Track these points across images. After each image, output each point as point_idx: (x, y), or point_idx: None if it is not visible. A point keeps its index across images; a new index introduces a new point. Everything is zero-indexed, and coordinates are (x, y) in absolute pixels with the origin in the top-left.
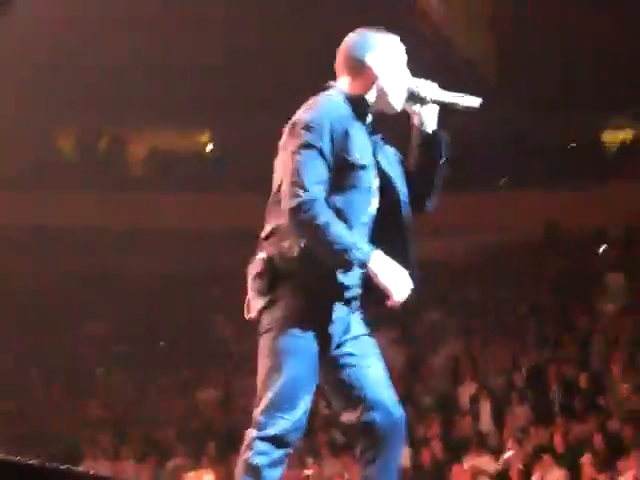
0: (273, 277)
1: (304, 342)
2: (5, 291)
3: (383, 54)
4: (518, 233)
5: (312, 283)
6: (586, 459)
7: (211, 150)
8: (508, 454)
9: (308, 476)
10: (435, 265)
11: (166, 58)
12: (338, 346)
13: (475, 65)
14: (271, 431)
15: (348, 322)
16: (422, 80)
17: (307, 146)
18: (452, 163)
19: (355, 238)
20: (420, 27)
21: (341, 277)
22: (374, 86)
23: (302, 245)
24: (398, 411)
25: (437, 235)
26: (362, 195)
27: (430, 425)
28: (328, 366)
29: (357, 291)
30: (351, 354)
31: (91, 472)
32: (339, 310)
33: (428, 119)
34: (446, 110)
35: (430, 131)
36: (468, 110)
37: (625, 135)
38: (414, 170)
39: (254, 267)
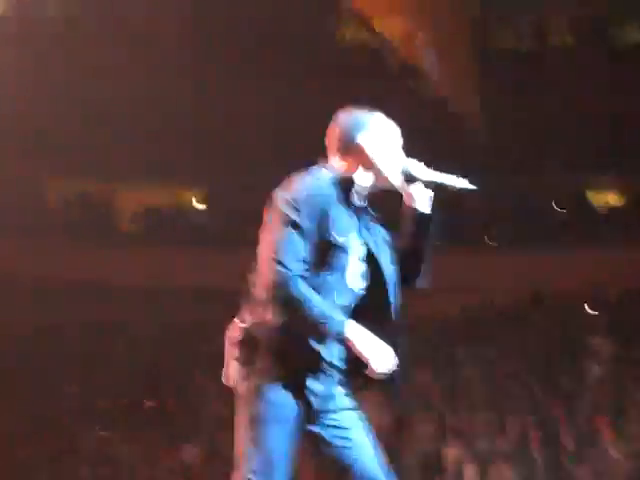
0: (252, 346)
1: (282, 411)
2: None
3: (375, 134)
4: (504, 296)
5: (291, 355)
6: None
7: (201, 206)
8: None
9: None
10: (422, 325)
11: (156, 110)
12: (322, 419)
13: (463, 120)
14: None
15: (331, 394)
16: (415, 160)
17: (287, 223)
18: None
19: (331, 310)
20: (408, 82)
21: (321, 350)
22: (365, 166)
23: (281, 317)
24: None
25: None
26: (340, 275)
27: None
28: (315, 441)
29: (340, 365)
30: (338, 428)
31: None
32: (320, 382)
33: (419, 199)
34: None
35: (422, 211)
36: (460, 191)
37: (611, 197)
38: (405, 250)
39: (233, 333)
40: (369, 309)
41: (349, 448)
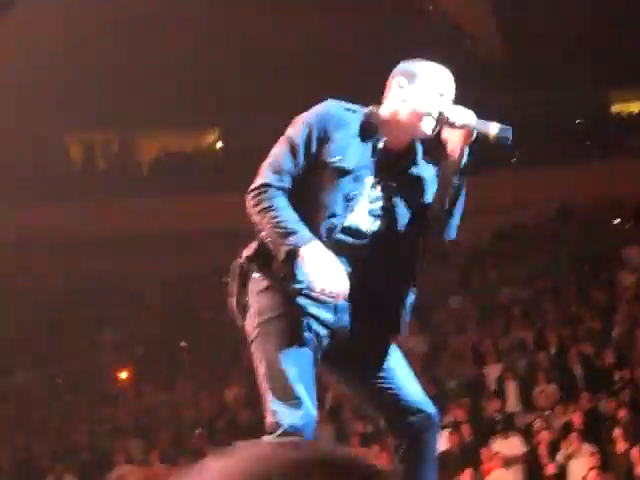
0: (243, 280)
1: (288, 343)
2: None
3: (419, 80)
4: (532, 211)
5: (277, 281)
6: (617, 433)
7: (221, 148)
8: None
9: None
10: (451, 249)
11: (171, 57)
12: (346, 349)
13: (477, 41)
14: (282, 430)
15: (340, 326)
16: (457, 107)
17: (286, 139)
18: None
19: (299, 226)
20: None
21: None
22: (400, 109)
23: (261, 242)
24: (431, 409)
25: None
26: (338, 199)
27: (457, 409)
28: (350, 378)
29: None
30: (370, 362)
31: None
32: (322, 310)
33: (453, 144)
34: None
35: (454, 158)
36: (499, 142)
37: (633, 108)
38: (436, 205)
39: (231, 270)
40: (381, 257)
41: (386, 376)
